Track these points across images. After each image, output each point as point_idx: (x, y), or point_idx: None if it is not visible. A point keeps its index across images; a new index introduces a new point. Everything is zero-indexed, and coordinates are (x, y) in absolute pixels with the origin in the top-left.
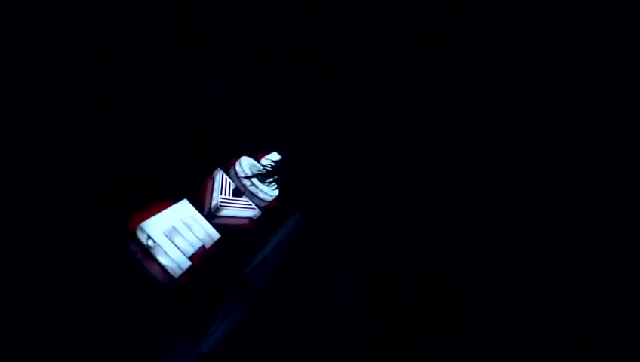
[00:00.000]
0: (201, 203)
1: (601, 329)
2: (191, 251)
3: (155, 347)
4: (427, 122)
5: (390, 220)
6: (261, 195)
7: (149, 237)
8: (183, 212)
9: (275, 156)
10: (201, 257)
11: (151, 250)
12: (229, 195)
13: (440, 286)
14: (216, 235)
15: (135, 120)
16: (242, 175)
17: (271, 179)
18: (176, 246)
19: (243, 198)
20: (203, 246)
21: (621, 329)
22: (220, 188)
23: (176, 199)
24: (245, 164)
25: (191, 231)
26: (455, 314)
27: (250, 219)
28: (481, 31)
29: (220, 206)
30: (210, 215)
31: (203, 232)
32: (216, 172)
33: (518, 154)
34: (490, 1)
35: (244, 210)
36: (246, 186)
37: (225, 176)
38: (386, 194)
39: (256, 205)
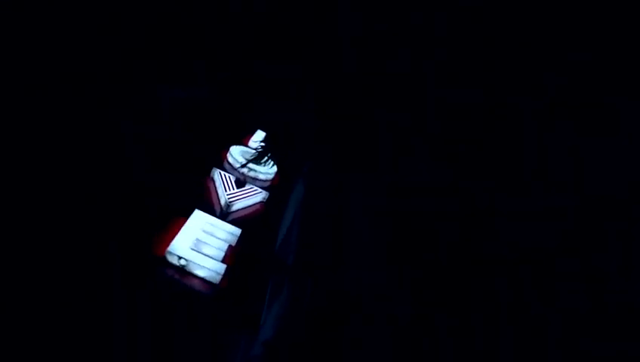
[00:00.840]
0: (211, 206)
1: (601, 330)
2: (222, 255)
3: (220, 353)
4: (427, 122)
5: (389, 220)
6: (262, 177)
7: (180, 258)
8: (199, 222)
9: (259, 135)
10: (232, 256)
11: (186, 268)
12: (233, 189)
13: (439, 286)
14: (237, 231)
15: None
16: (237, 165)
17: (265, 158)
18: (207, 255)
19: (247, 186)
20: (230, 246)
21: (621, 330)
22: (222, 185)
23: (187, 212)
24: (236, 153)
25: (214, 236)
26: (454, 315)
27: (260, 202)
28: (481, 31)
29: (230, 202)
30: (224, 214)
31: (225, 233)
32: (212, 171)
33: (518, 154)
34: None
35: (252, 197)
36: (245, 174)
37: (222, 172)
38: (386, 194)
39: (261, 188)
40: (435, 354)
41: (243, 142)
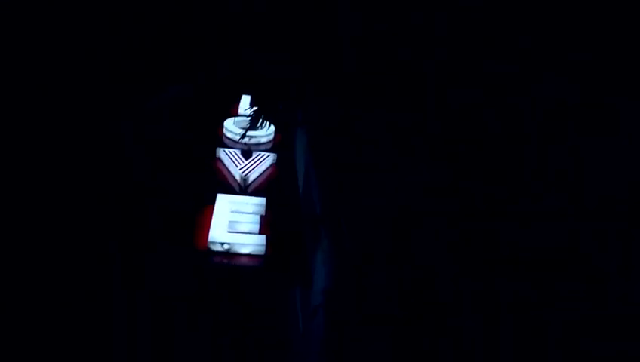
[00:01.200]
0: (229, 185)
1: (601, 330)
2: (257, 226)
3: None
4: (427, 122)
5: (390, 220)
6: (264, 140)
7: (222, 243)
8: (225, 205)
9: (245, 100)
10: (267, 225)
11: (231, 251)
12: (242, 162)
13: (439, 285)
14: (262, 200)
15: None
16: (237, 137)
17: (260, 122)
18: (244, 232)
19: (254, 155)
20: (261, 216)
21: (621, 330)
22: (232, 161)
23: (211, 200)
24: (231, 126)
25: (243, 213)
26: (454, 315)
27: (272, 165)
28: (481, 31)
29: (245, 176)
30: (244, 188)
31: (252, 206)
32: (217, 151)
33: (518, 154)
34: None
35: (263, 163)
36: (247, 143)
37: (226, 149)
38: (386, 193)
39: (267, 151)
40: (435, 354)
41: (232, 112)
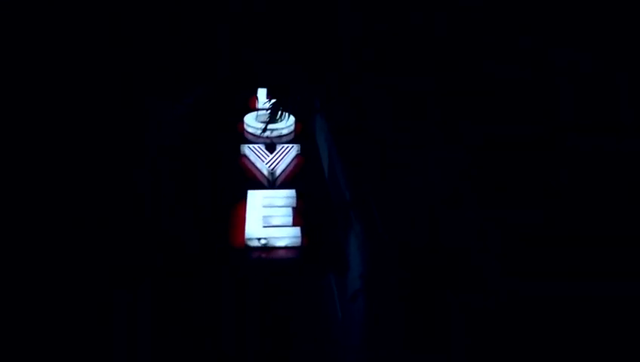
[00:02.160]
0: (257, 181)
1: (600, 329)
2: (290, 219)
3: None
4: (428, 122)
5: (393, 219)
6: (285, 131)
7: (259, 239)
8: (256, 200)
9: (262, 93)
10: (299, 215)
11: (268, 245)
12: (267, 156)
13: (440, 281)
14: (292, 192)
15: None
16: (259, 132)
17: (279, 113)
18: (279, 226)
19: (278, 147)
20: (293, 208)
21: (620, 329)
22: (257, 156)
23: (241, 197)
24: (252, 121)
25: (275, 206)
26: (454, 311)
27: (297, 155)
28: (481, 31)
29: (272, 170)
30: (272, 182)
31: (282, 199)
32: (242, 148)
33: (518, 154)
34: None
35: (288, 155)
36: (270, 137)
37: (249, 145)
38: (391, 193)
39: (290, 142)
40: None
41: (250, 106)
